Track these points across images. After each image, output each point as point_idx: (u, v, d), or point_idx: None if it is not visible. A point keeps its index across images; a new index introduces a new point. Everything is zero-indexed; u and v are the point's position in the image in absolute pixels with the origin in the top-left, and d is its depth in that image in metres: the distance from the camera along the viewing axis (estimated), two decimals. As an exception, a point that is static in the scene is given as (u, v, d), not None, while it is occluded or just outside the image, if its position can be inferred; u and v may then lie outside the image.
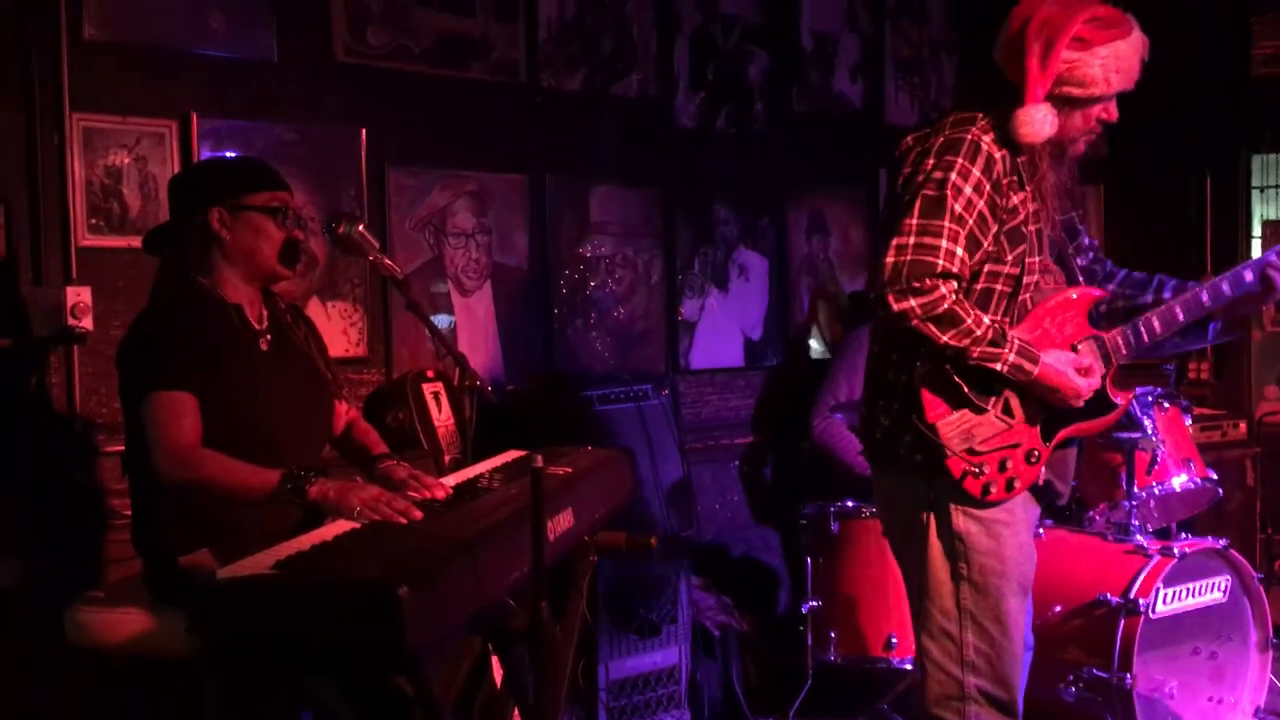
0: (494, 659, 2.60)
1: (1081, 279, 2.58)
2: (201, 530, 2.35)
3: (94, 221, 3.16)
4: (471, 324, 3.92)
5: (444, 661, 2.48)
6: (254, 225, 2.48)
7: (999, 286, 2.42)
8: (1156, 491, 3.61)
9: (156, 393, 2.32)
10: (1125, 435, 3.49)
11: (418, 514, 2.17)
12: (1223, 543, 3.45)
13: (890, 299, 2.27)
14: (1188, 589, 3.37)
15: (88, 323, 2.98)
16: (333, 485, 2.25)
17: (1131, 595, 3.25)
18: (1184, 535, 3.66)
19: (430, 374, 3.58)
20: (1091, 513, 3.73)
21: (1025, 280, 2.42)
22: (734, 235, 4.63)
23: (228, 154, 3.30)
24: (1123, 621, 3.24)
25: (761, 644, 3.98)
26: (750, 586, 4.16)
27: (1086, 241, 2.69)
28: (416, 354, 3.75)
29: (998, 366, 2.32)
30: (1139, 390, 3.61)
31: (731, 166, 4.59)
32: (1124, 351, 2.51)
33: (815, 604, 3.68)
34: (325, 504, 2.24)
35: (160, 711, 2.67)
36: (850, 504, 3.71)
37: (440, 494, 2.31)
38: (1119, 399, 2.53)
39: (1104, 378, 2.49)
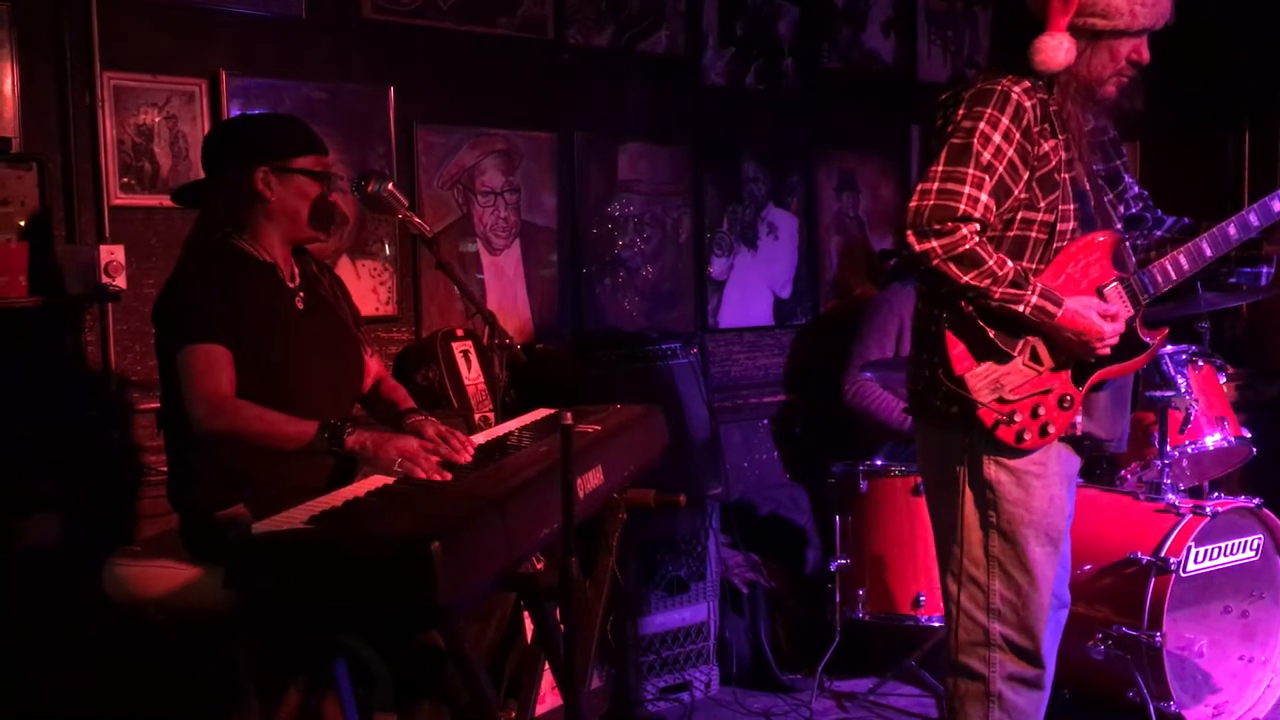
0: (525, 615, 2.63)
1: (1120, 226, 2.56)
2: (237, 486, 2.37)
3: (126, 180, 3.18)
4: (500, 283, 3.92)
5: (476, 617, 2.51)
6: (298, 188, 2.50)
7: (1033, 234, 2.41)
8: (1189, 450, 3.59)
9: (191, 345, 2.33)
10: (1158, 394, 3.46)
11: (448, 474, 2.19)
12: (1255, 501, 3.42)
13: (912, 239, 2.30)
14: (1219, 548, 3.35)
15: (121, 281, 3.00)
16: (370, 436, 2.27)
17: (1162, 554, 3.24)
18: (1216, 494, 3.64)
19: (460, 332, 3.60)
20: (1123, 471, 3.71)
21: (1060, 227, 2.42)
22: (763, 193, 4.60)
23: (259, 111, 3.29)
24: (1153, 580, 3.23)
25: (790, 601, 4.00)
26: (778, 544, 4.17)
27: (1135, 190, 2.67)
28: (446, 313, 3.76)
29: (1020, 308, 2.33)
30: (1173, 349, 3.58)
31: (761, 124, 4.55)
32: (1151, 291, 2.50)
33: (843, 562, 3.69)
34: (362, 453, 2.26)
35: (196, 663, 2.72)
36: (879, 463, 3.71)
37: (465, 458, 2.31)
38: (1150, 338, 2.51)
39: (1134, 318, 2.48)
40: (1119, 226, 2.55)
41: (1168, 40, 2.47)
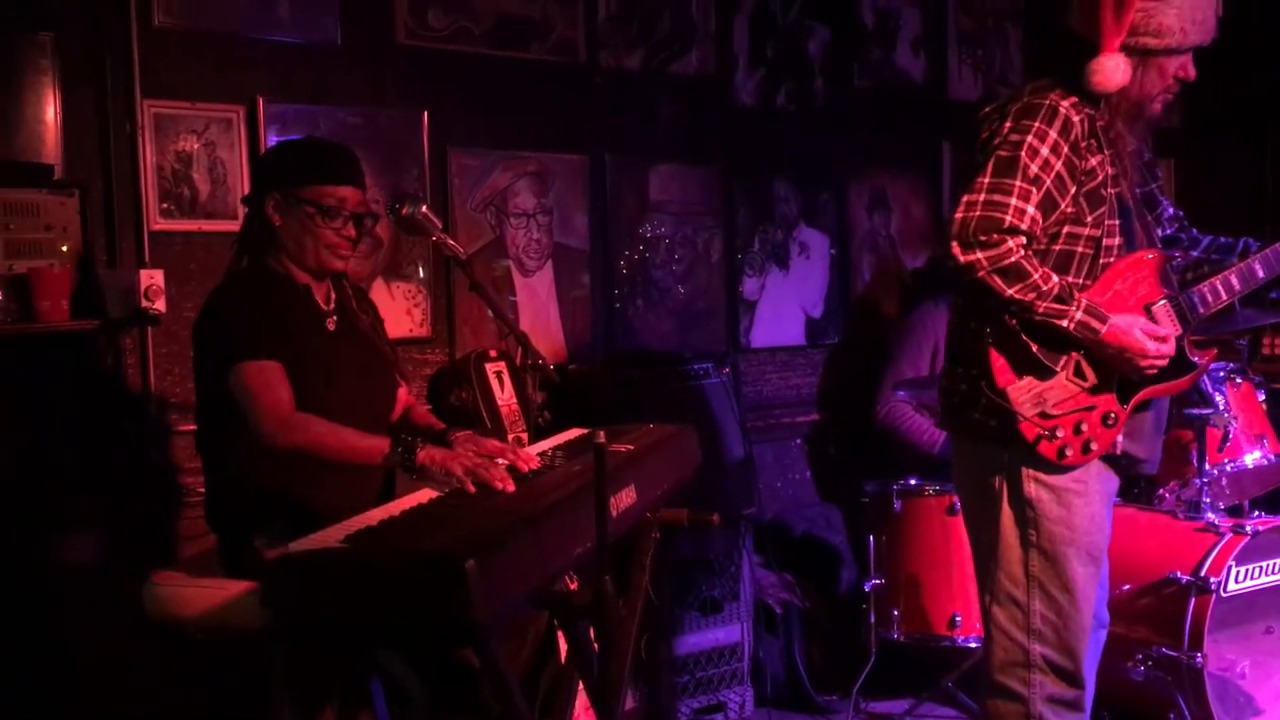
0: (559, 634, 2.63)
1: (1160, 247, 2.55)
2: (274, 507, 2.40)
3: (165, 206, 3.23)
4: (533, 304, 3.94)
5: (511, 634, 2.52)
6: (300, 219, 2.48)
7: (1079, 249, 2.40)
8: (1228, 468, 3.55)
9: (245, 363, 2.34)
10: (1196, 411, 3.43)
11: (511, 485, 2.21)
12: (1297, 520, 3.38)
13: (957, 250, 2.29)
14: (1261, 567, 3.30)
15: (161, 305, 3.04)
16: (438, 450, 2.30)
17: (1202, 573, 3.20)
18: (1257, 513, 3.59)
19: (493, 354, 3.62)
20: (1162, 490, 3.68)
21: (1106, 243, 2.41)
22: (794, 213, 4.60)
23: (298, 137, 3.33)
24: (1193, 600, 3.19)
25: (824, 622, 3.98)
26: (812, 564, 4.15)
27: (1170, 212, 2.66)
28: (479, 334, 3.78)
29: (1064, 323, 2.31)
30: (1211, 366, 3.54)
31: (792, 144, 4.56)
32: (1200, 311, 2.48)
33: (878, 582, 3.67)
34: (431, 467, 2.28)
35: (233, 682, 2.74)
36: (913, 482, 3.69)
37: (533, 465, 2.35)
38: (1198, 358, 2.49)
39: (1182, 337, 2.46)
40: (1159, 247, 2.54)
41: (1199, 55, 2.46)
